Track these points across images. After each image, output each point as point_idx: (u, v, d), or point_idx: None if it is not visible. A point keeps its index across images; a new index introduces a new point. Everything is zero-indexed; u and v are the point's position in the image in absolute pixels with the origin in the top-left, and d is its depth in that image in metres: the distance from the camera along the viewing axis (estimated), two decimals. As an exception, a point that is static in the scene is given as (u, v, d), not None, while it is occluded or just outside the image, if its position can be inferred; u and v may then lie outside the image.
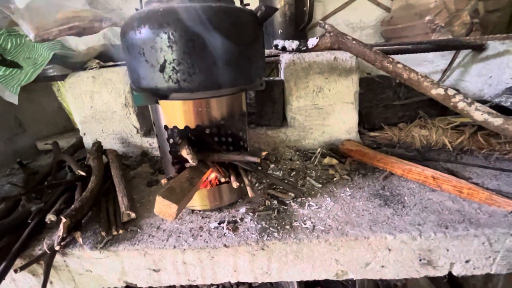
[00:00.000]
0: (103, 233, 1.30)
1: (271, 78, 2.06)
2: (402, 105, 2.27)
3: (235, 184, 1.36)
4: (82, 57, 2.07)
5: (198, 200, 1.46)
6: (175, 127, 1.27)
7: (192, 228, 1.36)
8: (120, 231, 1.34)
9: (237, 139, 1.58)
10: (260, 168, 1.76)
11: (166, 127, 1.28)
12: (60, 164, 1.96)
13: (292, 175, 1.76)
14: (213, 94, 1.21)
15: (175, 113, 1.24)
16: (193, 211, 1.49)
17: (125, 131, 2.07)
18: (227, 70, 1.12)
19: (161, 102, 1.24)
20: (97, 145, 1.86)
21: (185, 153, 1.31)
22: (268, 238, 1.25)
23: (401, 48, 2.06)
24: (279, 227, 1.32)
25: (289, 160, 1.91)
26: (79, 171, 1.63)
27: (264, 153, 1.44)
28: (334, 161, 1.79)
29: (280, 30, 2.99)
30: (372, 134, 2.03)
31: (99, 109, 2.00)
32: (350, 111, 1.98)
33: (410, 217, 1.32)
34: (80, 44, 2.15)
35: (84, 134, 2.09)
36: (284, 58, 1.93)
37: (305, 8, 2.95)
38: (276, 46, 2.09)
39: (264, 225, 1.34)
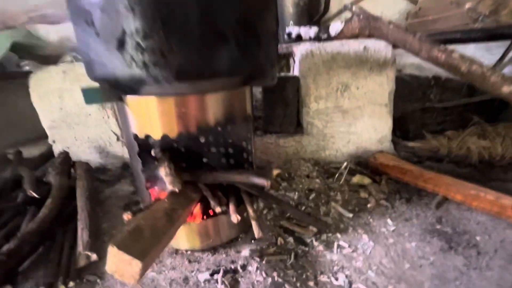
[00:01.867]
0: (43, 290, 0.90)
1: (282, 74, 1.66)
2: (443, 109, 1.85)
3: (235, 218, 0.95)
4: (54, 49, 1.70)
5: (184, 237, 1.05)
6: (148, 136, 0.87)
7: (174, 279, 0.95)
8: (71, 284, 0.94)
9: (239, 151, 1.18)
10: (268, 190, 1.35)
11: (135, 136, 0.89)
12: (20, 180, 1.58)
13: (311, 198, 1.34)
14: (202, 87, 0.82)
15: (148, 116, 0.85)
16: (177, 251, 1.08)
17: (102, 139, 1.68)
18: (224, 49, 0.72)
19: (128, 100, 0.84)
20: (63, 156, 1.48)
21: (163, 173, 0.91)
22: (284, 303, 0.83)
23: (447, 37, 1.64)
24: (299, 284, 0.90)
25: (306, 177, 1.49)
26: (30, 191, 1.24)
27: (276, 172, 1.03)
28: (367, 180, 1.37)
29: (291, 22, 2.60)
30: (411, 144, 1.60)
31: (71, 111, 1.62)
32: (383, 116, 1.56)
33: (494, 272, 0.89)
34: (52, 34, 1.79)
35: (54, 141, 1.71)
36: (300, 49, 1.53)
37: (320, -3, 2.57)
38: (289, 35, 1.70)
39: (276, 278, 0.92)
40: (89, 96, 0.78)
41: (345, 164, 1.46)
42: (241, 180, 1.04)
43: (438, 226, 1.11)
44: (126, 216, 0.85)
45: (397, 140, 1.74)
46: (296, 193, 1.39)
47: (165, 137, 0.86)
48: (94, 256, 1.03)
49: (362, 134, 1.59)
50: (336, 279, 0.91)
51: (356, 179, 1.38)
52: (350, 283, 0.89)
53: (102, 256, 1.08)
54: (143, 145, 0.90)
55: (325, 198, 1.33)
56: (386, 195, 1.31)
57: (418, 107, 1.81)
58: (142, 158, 0.92)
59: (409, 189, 1.35)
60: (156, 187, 1.06)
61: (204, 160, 1.10)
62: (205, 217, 1.07)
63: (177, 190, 0.90)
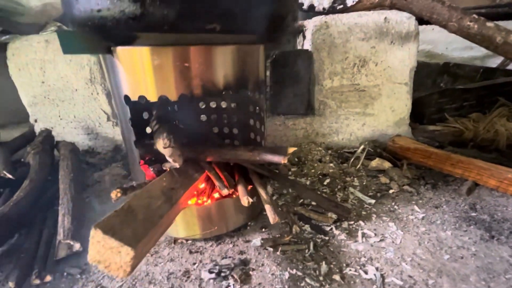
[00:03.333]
0: (12, 285, 0.74)
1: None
2: (462, 92, 1.72)
3: (245, 201, 0.80)
4: (35, 16, 1.51)
5: (184, 224, 0.90)
6: (142, 98, 0.71)
7: (173, 273, 0.80)
8: (48, 278, 0.78)
9: (249, 123, 1.03)
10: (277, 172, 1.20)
11: (127, 99, 0.73)
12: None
13: (325, 183, 1.20)
14: (211, 38, 0.66)
15: (143, 73, 0.69)
16: (176, 240, 0.93)
17: (91, 118, 1.51)
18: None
19: (119, 51, 0.68)
20: (45, 134, 1.31)
21: (161, 145, 0.75)
22: (306, 301, 0.69)
23: (498, 11, 1.45)
24: (322, 278, 0.76)
25: (318, 161, 1.35)
26: (3, 172, 1.07)
27: (291, 149, 0.88)
28: (387, 165, 1.24)
29: None
30: (431, 128, 1.47)
31: (54, 85, 1.44)
32: (402, 95, 1.43)
33: (548, 264, 0.77)
34: None
35: (35, 121, 1.53)
36: (313, 20, 1.38)
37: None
38: (301, 6, 1.54)
39: (295, 272, 0.78)
40: (68, 42, 0.61)
41: (362, 147, 1.32)
42: (252, 158, 0.89)
43: (473, 214, 0.98)
44: (115, 193, 0.69)
45: (414, 124, 1.61)
46: (309, 178, 1.25)
47: (163, 100, 0.70)
48: (77, 246, 0.87)
49: (379, 116, 1.45)
50: (366, 272, 0.77)
51: (375, 163, 1.25)
52: (383, 277, 0.75)
53: (86, 246, 0.92)
54: (137, 110, 0.74)
55: (341, 184, 1.20)
56: (410, 181, 1.17)
57: (436, 90, 1.68)
58: (135, 127, 0.76)
59: (432, 174, 1.22)
60: (152, 166, 0.90)
61: (210, 132, 0.94)
62: (208, 200, 0.92)
63: (177, 165, 0.75)
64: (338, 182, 1.21)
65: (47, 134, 1.32)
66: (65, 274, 0.81)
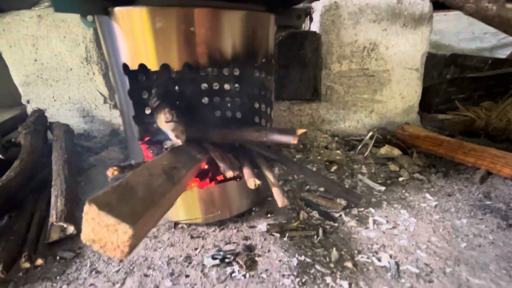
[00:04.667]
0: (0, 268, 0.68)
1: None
2: (472, 82, 1.67)
3: (252, 183, 0.75)
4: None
5: (185, 208, 0.85)
6: (142, 67, 0.64)
7: (173, 258, 0.75)
8: (39, 261, 0.73)
9: (256, 102, 0.97)
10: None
11: (126, 68, 0.66)
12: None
13: (332, 170, 1.16)
14: (224, 4, 0.60)
15: (144, 38, 0.62)
16: (176, 224, 0.88)
17: (87, 100, 1.44)
18: None
19: (117, 13, 0.61)
20: (37, 114, 1.24)
21: (162, 120, 0.69)
22: (317, 289, 0.65)
23: None
24: (332, 265, 0.71)
25: (324, 148, 1.30)
26: (-8, 151, 1.00)
27: (300, 131, 0.83)
28: (396, 152, 1.19)
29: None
30: (441, 116, 1.43)
31: (47, 64, 1.37)
32: (413, 82, 1.37)
33: None
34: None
35: (28, 101, 1.45)
36: (321, 1, 1.31)
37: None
38: (308, -14, 1.47)
39: (303, 258, 0.73)
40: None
41: (370, 133, 1.27)
42: (259, 139, 0.83)
43: (487, 202, 0.94)
44: (111, 171, 0.63)
45: (421, 113, 1.56)
46: (315, 165, 1.20)
47: (165, 69, 0.64)
48: (70, 228, 0.82)
49: (387, 103, 1.40)
50: (379, 259, 0.73)
51: (384, 150, 1.20)
52: (398, 265, 0.71)
53: (81, 229, 0.86)
54: (136, 81, 0.67)
55: (349, 171, 1.15)
56: (420, 168, 1.13)
57: (447, 79, 1.63)
58: (134, 100, 0.70)
59: (443, 162, 1.18)
60: (151, 147, 0.84)
61: (214, 110, 0.88)
62: (211, 183, 0.87)
63: (180, 142, 0.69)
64: (345, 169, 1.16)
65: (40, 114, 1.25)
66: (57, 257, 0.76)
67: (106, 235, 0.49)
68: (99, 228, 0.49)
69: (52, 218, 0.81)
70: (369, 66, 1.33)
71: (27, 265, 0.71)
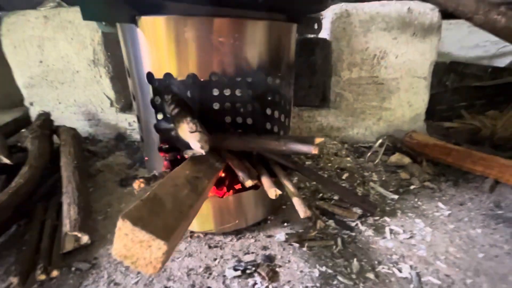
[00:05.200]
0: (14, 280, 0.66)
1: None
2: (475, 91, 1.70)
3: (273, 193, 0.75)
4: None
5: (201, 217, 0.84)
6: (168, 76, 0.63)
7: (192, 269, 0.74)
8: (54, 273, 0.70)
9: (276, 110, 0.96)
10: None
11: (150, 77, 0.65)
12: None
13: (344, 177, 1.16)
14: (248, 14, 0.59)
15: (170, 46, 0.61)
16: (192, 234, 0.87)
17: (93, 103, 1.41)
18: None
19: (144, 22, 0.60)
20: (44, 118, 1.21)
21: (185, 130, 0.68)
22: (342, 301, 0.65)
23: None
24: (354, 276, 0.71)
25: (334, 155, 1.30)
26: (0, 157, 0.97)
27: (318, 140, 0.83)
28: (407, 160, 1.20)
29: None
30: (447, 124, 1.45)
31: (53, 66, 1.34)
32: (420, 90, 1.39)
33: None
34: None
35: (31, 104, 1.42)
36: (332, 8, 1.32)
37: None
38: (318, -7, 1.48)
39: (325, 269, 0.73)
40: (90, 6, 0.53)
41: (380, 141, 1.28)
42: (278, 148, 0.83)
43: (499, 211, 0.95)
44: (137, 183, 0.62)
45: (427, 121, 1.58)
46: (326, 172, 1.20)
47: (191, 78, 0.63)
48: (85, 238, 0.79)
49: (395, 111, 1.41)
50: (399, 270, 0.73)
51: (395, 158, 1.21)
52: (419, 276, 0.71)
53: (95, 238, 0.85)
54: (160, 90, 0.66)
55: (360, 179, 1.15)
56: (431, 177, 1.14)
57: (451, 87, 1.65)
58: (156, 108, 0.69)
59: (452, 171, 1.20)
60: (170, 153, 0.83)
61: (233, 117, 0.87)
62: (228, 192, 0.86)
63: (204, 151, 0.68)
64: (356, 176, 1.17)
65: (46, 117, 1.22)
66: (73, 269, 0.74)
67: (139, 251, 0.47)
68: (132, 244, 0.47)
69: (66, 227, 0.79)
70: (379, 74, 1.34)
71: (43, 277, 0.69)
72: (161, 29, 0.60)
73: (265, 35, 0.65)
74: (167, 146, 0.86)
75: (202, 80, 0.63)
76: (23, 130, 1.17)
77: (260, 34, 0.65)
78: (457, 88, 1.66)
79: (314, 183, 1.12)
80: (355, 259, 0.76)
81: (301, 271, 0.73)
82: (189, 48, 0.61)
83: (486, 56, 2.33)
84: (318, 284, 0.69)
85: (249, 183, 0.79)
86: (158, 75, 0.64)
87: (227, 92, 0.90)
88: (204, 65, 0.62)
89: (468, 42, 2.38)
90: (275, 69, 0.72)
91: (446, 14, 1.31)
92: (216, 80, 0.67)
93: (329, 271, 0.73)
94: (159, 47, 0.62)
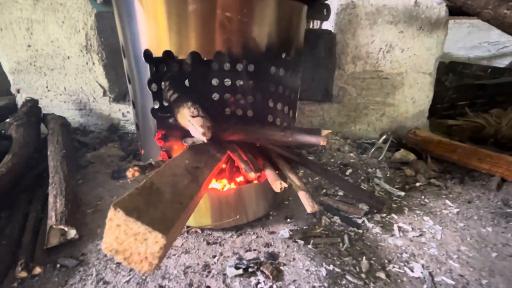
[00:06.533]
0: (-9, 278, 0.59)
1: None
2: (477, 88, 1.69)
3: (278, 186, 0.69)
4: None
5: (199, 210, 0.78)
6: (167, 54, 0.57)
7: (190, 267, 0.69)
8: (37, 270, 0.64)
9: (282, 98, 0.91)
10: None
11: (147, 55, 0.59)
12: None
13: (347, 173, 1.12)
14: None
15: (171, 22, 0.55)
16: (189, 229, 0.81)
17: (84, 92, 1.34)
18: None
19: (141, -7, 0.54)
20: (30, 105, 1.13)
21: (186, 115, 0.63)
22: (352, 302, 0.60)
23: None
24: (363, 275, 0.67)
25: (337, 150, 1.26)
26: (-20, 143, 0.90)
27: (325, 132, 0.78)
28: (412, 156, 1.17)
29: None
30: (450, 122, 1.42)
31: (43, 51, 1.26)
32: (425, 86, 1.36)
33: None
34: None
35: (18, 91, 1.34)
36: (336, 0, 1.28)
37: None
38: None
39: (332, 268, 0.68)
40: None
41: (384, 137, 1.24)
42: (283, 139, 0.78)
43: (508, 210, 0.92)
44: (131, 172, 0.56)
45: (428, 118, 1.56)
46: (329, 168, 1.16)
47: (194, 56, 0.58)
48: (72, 232, 0.73)
49: (399, 107, 1.38)
50: (411, 269, 0.69)
51: (400, 154, 1.18)
52: (432, 276, 0.67)
53: (83, 233, 0.78)
54: (158, 70, 0.60)
55: (364, 175, 1.11)
56: (437, 174, 1.11)
57: (454, 85, 1.63)
58: (153, 91, 0.63)
59: (457, 169, 1.17)
60: (169, 140, 0.77)
61: (236, 106, 0.82)
62: (231, 185, 0.81)
63: (205, 138, 0.62)
64: (360, 172, 1.13)
65: (33, 104, 1.14)
66: (58, 265, 0.68)
67: (132, 245, 0.42)
68: (125, 237, 0.41)
69: (51, 220, 0.72)
70: (384, 68, 1.30)
71: (23, 274, 0.62)
72: (161, 1, 0.54)
73: (276, 13, 0.60)
74: (165, 133, 0.80)
75: (205, 59, 0.57)
76: (10, 119, 1.09)
77: (270, 11, 0.59)
78: (457, 86, 1.64)
79: (317, 178, 1.08)
80: (363, 258, 0.71)
81: (307, 270, 0.68)
82: (192, 23, 0.55)
83: (485, 57, 2.33)
84: (326, 284, 0.64)
85: (252, 175, 0.74)
86: (157, 53, 0.58)
87: (224, 77, 0.84)
88: (208, 43, 0.57)
89: (467, 42, 2.38)
90: (284, 50, 0.67)
91: (452, 11, 1.29)
92: (220, 60, 0.61)
93: (337, 270, 0.68)
94: (158, 21, 0.56)
